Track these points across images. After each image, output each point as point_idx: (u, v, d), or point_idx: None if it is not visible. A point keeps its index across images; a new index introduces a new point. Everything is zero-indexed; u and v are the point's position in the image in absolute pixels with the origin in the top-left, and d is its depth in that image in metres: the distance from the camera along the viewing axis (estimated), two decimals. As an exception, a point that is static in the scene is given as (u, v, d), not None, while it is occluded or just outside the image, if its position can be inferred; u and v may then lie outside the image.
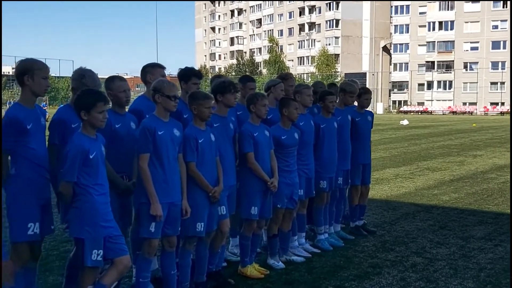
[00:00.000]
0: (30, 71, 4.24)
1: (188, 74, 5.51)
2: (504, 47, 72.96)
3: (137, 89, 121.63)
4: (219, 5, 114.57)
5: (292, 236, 6.32)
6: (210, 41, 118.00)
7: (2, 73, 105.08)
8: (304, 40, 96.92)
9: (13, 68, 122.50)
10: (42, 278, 5.32)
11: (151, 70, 5.40)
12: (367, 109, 7.49)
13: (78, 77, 4.73)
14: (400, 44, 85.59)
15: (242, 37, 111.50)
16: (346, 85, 7.24)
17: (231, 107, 5.48)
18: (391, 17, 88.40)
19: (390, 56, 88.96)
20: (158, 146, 4.53)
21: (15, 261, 4.13)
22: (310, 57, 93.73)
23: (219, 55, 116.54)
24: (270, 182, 5.55)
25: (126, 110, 5.08)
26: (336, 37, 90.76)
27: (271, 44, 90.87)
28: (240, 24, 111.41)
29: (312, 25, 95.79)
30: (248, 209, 5.58)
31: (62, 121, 4.54)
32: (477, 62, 75.73)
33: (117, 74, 5.27)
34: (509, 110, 36.33)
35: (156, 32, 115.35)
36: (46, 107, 41.70)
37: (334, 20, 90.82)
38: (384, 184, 11.69)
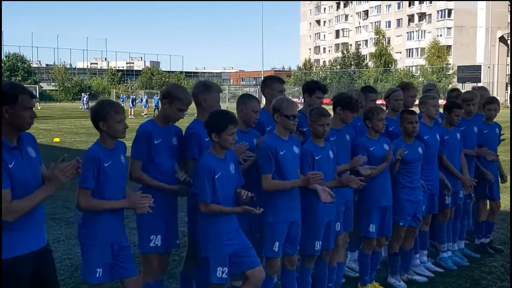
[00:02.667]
0: (169, 98, 4.43)
1: (312, 87, 5.41)
2: None
3: (242, 82, 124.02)
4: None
5: (413, 254, 6.04)
6: (315, 34, 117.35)
7: (118, 68, 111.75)
8: (413, 31, 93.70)
9: (127, 63, 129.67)
10: (166, 286, 5.46)
11: (270, 84, 5.32)
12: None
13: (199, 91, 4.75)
14: (519, 34, 79.96)
15: (347, 30, 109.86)
16: (464, 93, 6.85)
17: (347, 124, 5.33)
18: (509, 5, 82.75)
19: (508, 47, 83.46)
20: (280, 166, 4.49)
21: (146, 273, 4.38)
22: (419, 49, 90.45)
23: (324, 48, 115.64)
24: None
25: None
26: (448, 28, 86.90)
27: (377, 36, 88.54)
28: (346, 16, 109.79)
29: (422, 16, 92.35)
30: (366, 226, 5.41)
31: (197, 135, 4.58)
32: None
33: (250, 93, 5.21)
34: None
35: (262, 26, 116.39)
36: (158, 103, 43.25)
37: (446, 10, 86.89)
38: (507, 194, 10.86)
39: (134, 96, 45.32)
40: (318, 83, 5.65)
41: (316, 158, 4.76)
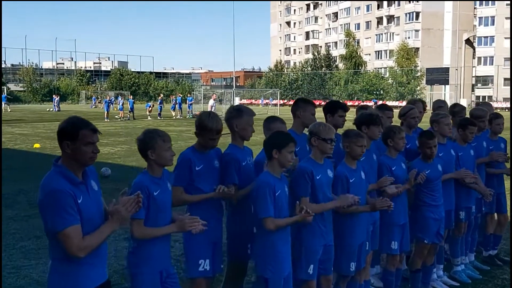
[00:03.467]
0: (199, 129, 4.52)
1: (334, 106, 5.51)
2: None
3: (212, 83, 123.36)
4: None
5: (432, 269, 6.19)
6: (285, 35, 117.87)
7: (86, 68, 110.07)
8: (382, 34, 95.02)
9: (94, 63, 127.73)
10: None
11: (304, 106, 5.36)
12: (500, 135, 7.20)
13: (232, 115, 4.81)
14: (484, 37, 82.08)
15: (317, 31, 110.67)
16: (474, 110, 7.01)
17: (375, 140, 5.43)
18: (475, 8, 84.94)
19: (473, 49, 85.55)
20: (316, 190, 4.54)
21: None
22: (388, 51, 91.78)
23: (294, 50, 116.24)
24: None
25: None
26: (416, 30, 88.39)
27: (347, 38, 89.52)
28: (316, 18, 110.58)
29: (390, 18, 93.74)
30: (388, 244, 5.52)
31: (236, 160, 4.65)
32: None
33: (274, 116, 5.22)
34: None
35: (233, 27, 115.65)
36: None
37: (414, 13, 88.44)
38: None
39: (108, 99, 44.37)
40: (339, 102, 5.75)
41: (351, 181, 4.82)
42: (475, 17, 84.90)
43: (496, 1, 79.55)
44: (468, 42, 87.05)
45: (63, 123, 3.29)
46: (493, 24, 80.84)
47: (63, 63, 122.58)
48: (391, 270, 5.61)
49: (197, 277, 4.46)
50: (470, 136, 6.33)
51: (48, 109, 57.58)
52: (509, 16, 77.32)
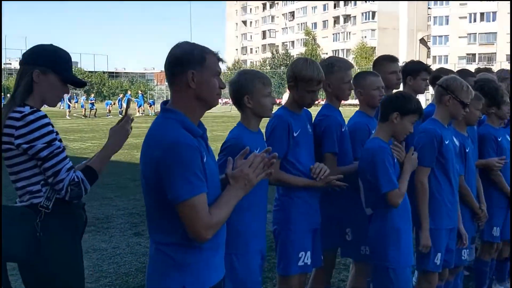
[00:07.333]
0: (300, 76, 3.50)
1: (416, 68, 4.59)
2: (550, 39, 70.73)
3: (166, 83, 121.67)
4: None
5: None
6: (242, 34, 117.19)
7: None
8: (339, 33, 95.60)
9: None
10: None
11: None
12: None
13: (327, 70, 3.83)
14: (439, 36, 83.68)
15: (274, 31, 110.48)
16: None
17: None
18: (429, 8, 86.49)
19: (428, 48, 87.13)
20: (444, 159, 3.77)
21: None
22: (345, 50, 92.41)
23: (251, 49, 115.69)
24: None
25: None
26: (373, 30, 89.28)
27: (307, 37, 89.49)
28: (272, 17, 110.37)
29: (347, 18, 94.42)
30: (489, 229, 4.74)
31: (337, 125, 3.75)
32: (520, 54, 73.67)
33: (368, 70, 4.30)
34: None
35: (190, 27, 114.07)
36: (94, 101, 41.50)
37: (371, 12, 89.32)
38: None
39: (69, 96, 43.29)
40: (422, 63, 4.88)
41: (467, 150, 4.07)
42: (429, 17, 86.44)
43: (450, 1, 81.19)
44: (422, 41, 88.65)
45: (178, 48, 2.29)
46: (447, 24, 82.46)
47: (10, 63, 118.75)
48: (486, 260, 4.83)
49: (295, 274, 3.51)
50: None
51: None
52: (462, 16, 79.37)
